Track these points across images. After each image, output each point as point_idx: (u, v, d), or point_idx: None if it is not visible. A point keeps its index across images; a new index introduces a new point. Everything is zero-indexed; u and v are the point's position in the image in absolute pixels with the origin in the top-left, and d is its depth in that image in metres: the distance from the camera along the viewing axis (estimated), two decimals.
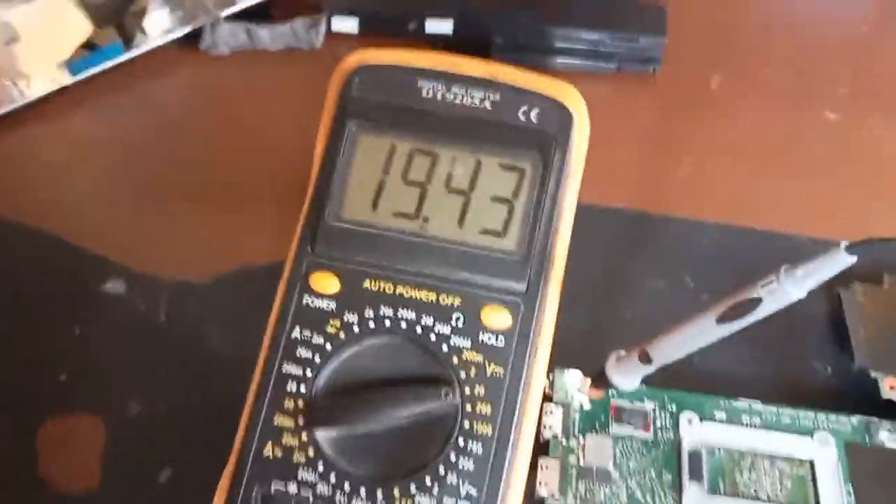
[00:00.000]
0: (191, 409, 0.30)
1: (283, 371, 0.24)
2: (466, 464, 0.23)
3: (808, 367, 0.32)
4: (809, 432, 0.29)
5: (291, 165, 0.38)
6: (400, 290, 0.25)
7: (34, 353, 0.32)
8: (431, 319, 0.24)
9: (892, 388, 0.30)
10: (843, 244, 0.21)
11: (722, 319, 0.23)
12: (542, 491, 0.27)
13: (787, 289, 0.22)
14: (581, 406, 0.29)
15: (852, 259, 0.21)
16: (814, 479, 0.28)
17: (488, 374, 0.24)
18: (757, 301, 0.22)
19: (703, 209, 0.37)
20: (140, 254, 0.35)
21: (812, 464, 0.28)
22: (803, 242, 0.36)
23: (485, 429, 0.24)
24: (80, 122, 0.40)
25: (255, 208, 0.37)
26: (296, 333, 0.25)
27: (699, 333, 0.24)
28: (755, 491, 0.27)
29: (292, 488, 0.24)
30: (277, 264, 0.33)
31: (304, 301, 0.25)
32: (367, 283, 0.25)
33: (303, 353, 0.24)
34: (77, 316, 0.33)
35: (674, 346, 0.25)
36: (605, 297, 0.34)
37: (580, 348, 0.30)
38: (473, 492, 0.23)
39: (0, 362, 0.32)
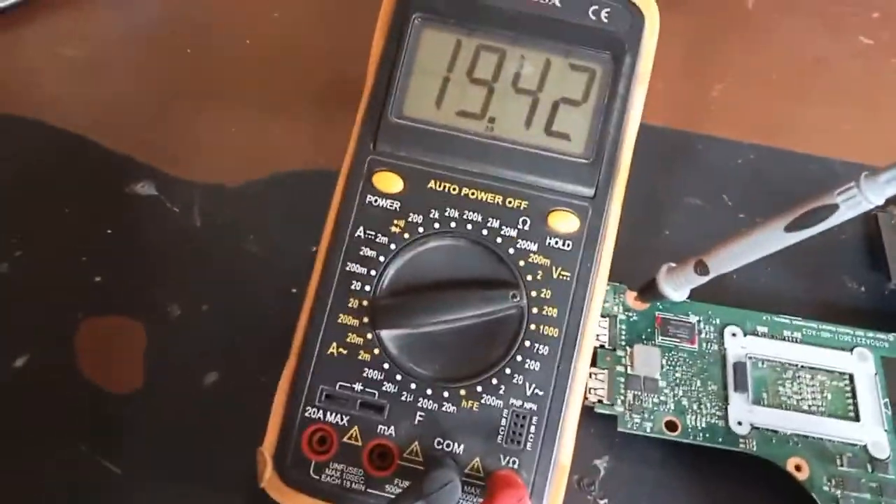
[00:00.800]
0: (231, 312, 0.30)
1: (347, 269, 0.24)
2: (533, 365, 0.23)
3: (844, 287, 0.32)
4: (849, 348, 0.29)
5: (327, 65, 0.37)
6: (465, 191, 0.24)
7: (65, 253, 0.31)
8: (498, 222, 0.24)
9: None
10: None
11: (791, 227, 0.23)
12: (591, 398, 0.28)
13: (868, 195, 0.21)
14: (627, 318, 0.29)
15: None
16: (853, 391, 0.28)
17: (555, 277, 0.24)
18: (832, 208, 0.22)
19: (738, 130, 0.37)
20: (169, 155, 0.33)
21: (852, 377, 0.28)
22: (836, 165, 0.36)
23: (551, 331, 0.24)
24: (100, 17, 0.38)
25: (287, 111, 0.35)
26: (359, 232, 0.24)
27: (764, 242, 0.24)
28: (797, 402, 0.28)
29: (357, 386, 0.23)
30: (311, 171, 0.33)
31: (367, 200, 0.24)
32: (431, 184, 0.24)
33: (367, 252, 0.24)
34: (108, 215, 0.32)
35: (734, 256, 0.25)
36: (644, 213, 0.34)
37: (621, 262, 0.29)
38: (540, 392, 0.23)
39: (30, 262, 0.31)
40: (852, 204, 0.22)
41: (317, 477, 0.23)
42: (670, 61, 0.39)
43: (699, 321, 0.29)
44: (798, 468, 0.27)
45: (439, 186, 0.24)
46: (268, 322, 0.29)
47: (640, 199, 0.34)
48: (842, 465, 0.27)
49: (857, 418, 0.28)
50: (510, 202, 0.24)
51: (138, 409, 0.28)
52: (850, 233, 0.34)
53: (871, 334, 0.30)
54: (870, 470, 0.27)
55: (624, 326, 0.29)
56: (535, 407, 0.23)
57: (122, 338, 0.29)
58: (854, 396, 0.28)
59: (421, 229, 0.24)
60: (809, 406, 0.28)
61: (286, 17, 0.39)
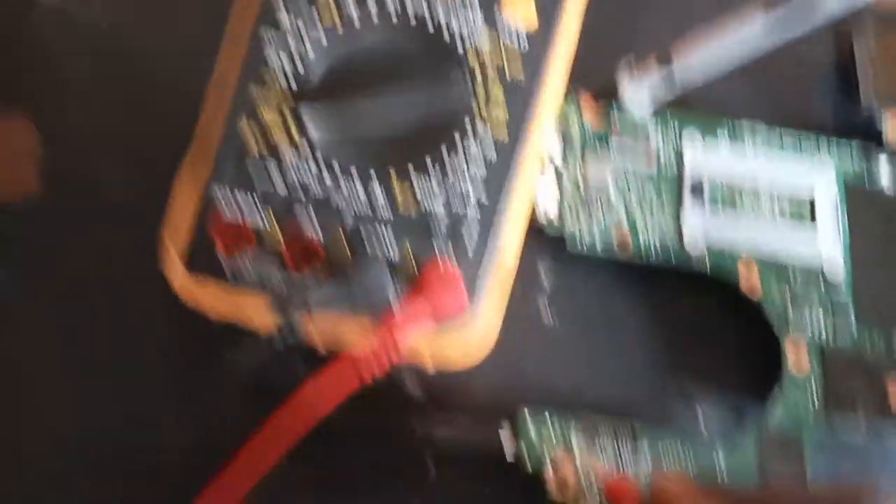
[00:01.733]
0: (139, 125, 0.26)
1: (261, 34, 0.21)
2: (474, 157, 0.21)
3: (814, 109, 0.30)
4: (810, 155, 0.27)
5: None
6: None
7: None
8: (444, 11, 0.21)
9: (894, 130, 0.28)
10: None
11: (769, 6, 0.21)
12: (539, 210, 0.25)
13: None
14: (582, 127, 0.27)
15: None
16: (812, 208, 0.27)
17: (508, 76, 0.21)
18: None
19: None
20: None
21: (812, 195, 0.27)
22: None
23: (498, 131, 0.21)
24: None
25: None
26: (277, 5, 0.21)
27: (737, 31, 0.22)
28: (755, 214, 0.26)
29: (273, 169, 0.21)
30: None
31: None
32: None
33: (288, 31, 0.21)
34: None
35: (699, 47, 0.23)
36: (610, 11, 0.30)
37: (581, 62, 0.27)
38: (482, 194, 0.21)
39: None
40: None
41: (228, 271, 0.21)
42: None
43: (657, 127, 0.27)
44: (750, 284, 0.25)
45: None
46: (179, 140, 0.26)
47: None
48: (795, 283, 0.25)
49: (813, 220, 0.26)
50: None
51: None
52: (822, 59, 0.32)
53: (833, 140, 0.28)
54: (823, 290, 0.25)
55: (577, 139, 0.27)
56: (475, 210, 0.21)
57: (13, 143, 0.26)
58: (812, 206, 0.27)
59: (357, 23, 0.21)
60: (766, 217, 0.26)
61: None
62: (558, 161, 0.26)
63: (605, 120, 0.27)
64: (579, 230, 0.25)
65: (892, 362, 0.24)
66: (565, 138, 0.26)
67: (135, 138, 0.26)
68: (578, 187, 0.26)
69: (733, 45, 0.22)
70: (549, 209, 0.26)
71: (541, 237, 0.26)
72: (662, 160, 0.27)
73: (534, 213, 0.25)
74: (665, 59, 0.23)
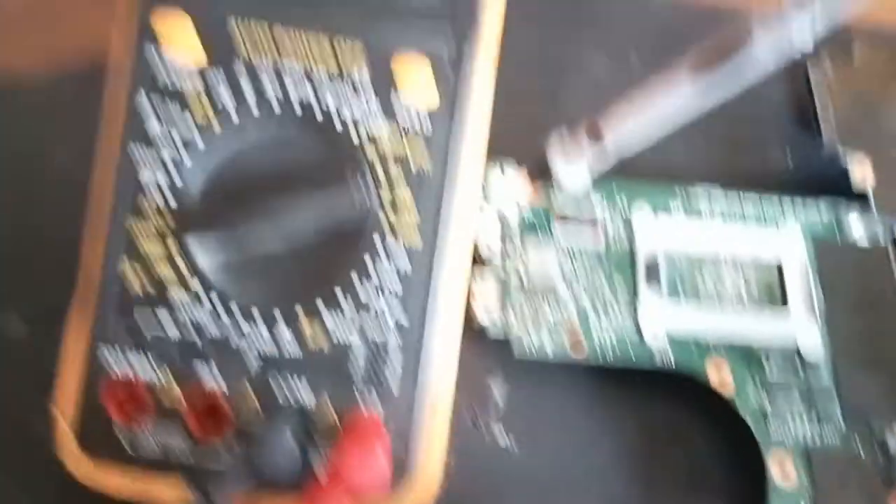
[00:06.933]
0: (30, 234, 0.23)
1: (131, 155, 0.18)
2: (388, 278, 0.18)
3: (771, 154, 0.28)
4: (775, 222, 0.25)
5: None
6: (281, 40, 0.18)
7: None
8: (333, 95, 0.18)
9: (862, 172, 0.26)
10: None
11: (699, 69, 0.18)
12: (479, 313, 0.22)
13: (791, 24, 0.16)
14: (520, 213, 0.24)
15: None
16: (781, 280, 0.24)
17: (413, 168, 0.18)
18: (747, 40, 0.17)
19: None
20: None
21: (780, 266, 0.24)
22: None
23: (410, 237, 0.18)
24: None
25: None
26: (142, 102, 0.17)
27: (667, 96, 0.19)
28: (718, 296, 0.24)
29: (163, 315, 0.18)
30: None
31: (149, 58, 0.17)
32: (233, 31, 0.18)
33: (156, 131, 0.18)
34: None
35: (631, 117, 0.20)
36: (540, 80, 0.28)
37: (513, 141, 0.24)
38: (401, 317, 0.18)
39: None
40: (773, 33, 0.16)
41: (128, 445, 0.18)
42: None
43: (603, 204, 0.24)
44: (721, 380, 0.22)
45: (244, 33, 0.17)
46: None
47: (533, 61, 0.28)
48: (770, 373, 0.23)
49: (784, 303, 0.24)
50: (341, 54, 0.18)
51: None
52: (776, 90, 0.29)
53: (799, 201, 0.25)
54: (802, 375, 0.23)
55: (516, 223, 0.24)
56: (396, 335, 0.18)
57: None
58: (783, 286, 0.24)
59: (235, 117, 0.18)
60: (732, 301, 0.24)
61: None
62: (496, 251, 0.23)
63: (544, 200, 0.24)
64: (526, 333, 0.22)
65: (886, 461, 0.21)
66: (501, 225, 0.23)
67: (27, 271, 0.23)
68: (521, 280, 0.23)
69: (667, 110, 0.19)
70: (489, 308, 0.23)
71: (484, 340, 0.23)
72: (612, 241, 0.24)
73: (473, 313, 0.22)
74: (596, 134, 0.20)
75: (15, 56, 0.26)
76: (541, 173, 0.23)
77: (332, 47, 0.18)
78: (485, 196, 0.24)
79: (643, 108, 0.19)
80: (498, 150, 0.22)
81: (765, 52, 0.17)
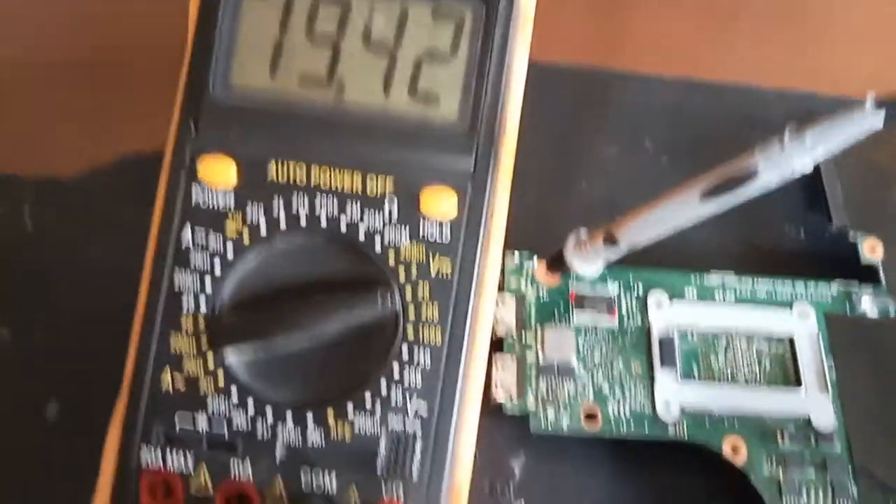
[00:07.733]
0: (71, 331, 0.25)
1: (176, 284, 0.20)
2: (412, 378, 0.20)
3: (782, 232, 0.29)
4: (788, 304, 0.26)
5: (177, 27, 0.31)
6: (315, 175, 0.20)
7: None
8: (358, 212, 0.20)
9: (872, 249, 0.27)
10: (870, 97, 0.16)
11: (708, 195, 0.19)
12: (498, 394, 0.24)
13: (792, 159, 0.17)
14: (537, 295, 0.26)
15: (879, 119, 0.16)
16: (794, 356, 0.25)
17: (433, 273, 0.20)
18: (751, 174, 0.18)
19: (658, 64, 0.33)
20: None
21: (791, 341, 0.25)
22: (771, 98, 0.32)
23: (432, 336, 0.20)
24: None
25: (134, 82, 0.30)
26: (186, 238, 0.20)
27: (677, 211, 0.20)
28: (732, 374, 0.25)
29: (202, 422, 0.19)
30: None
31: (194, 196, 0.20)
32: (272, 170, 0.20)
33: (198, 261, 0.20)
34: None
35: (644, 227, 0.21)
36: (554, 168, 0.29)
37: (530, 228, 0.25)
38: (423, 409, 0.20)
39: None
40: (776, 168, 0.18)
41: None
42: None
43: (619, 291, 0.26)
44: (735, 451, 0.23)
45: (282, 172, 0.20)
46: (114, 342, 0.24)
47: (548, 150, 0.30)
48: (783, 443, 0.24)
49: (798, 384, 0.24)
50: (371, 185, 0.20)
51: None
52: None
53: (811, 284, 0.26)
54: (814, 445, 0.24)
55: (533, 306, 0.25)
56: (418, 427, 0.20)
57: None
58: (795, 361, 0.25)
59: (264, 230, 0.20)
60: (745, 377, 0.25)
61: None
62: (513, 333, 0.25)
63: (562, 287, 0.25)
64: (543, 409, 0.24)
65: None
66: (519, 309, 0.25)
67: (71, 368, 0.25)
68: (537, 357, 0.24)
69: (677, 221, 0.20)
70: (507, 387, 0.24)
71: (502, 416, 0.24)
72: (627, 325, 0.25)
73: (492, 392, 0.24)
74: (611, 239, 0.22)
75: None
76: (557, 261, 0.24)
77: (364, 181, 0.20)
78: (503, 282, 0.25)
79: (652, 217, 0.21)
80: (514, 238, 0.23)
81: (768, 180, 0.18)
